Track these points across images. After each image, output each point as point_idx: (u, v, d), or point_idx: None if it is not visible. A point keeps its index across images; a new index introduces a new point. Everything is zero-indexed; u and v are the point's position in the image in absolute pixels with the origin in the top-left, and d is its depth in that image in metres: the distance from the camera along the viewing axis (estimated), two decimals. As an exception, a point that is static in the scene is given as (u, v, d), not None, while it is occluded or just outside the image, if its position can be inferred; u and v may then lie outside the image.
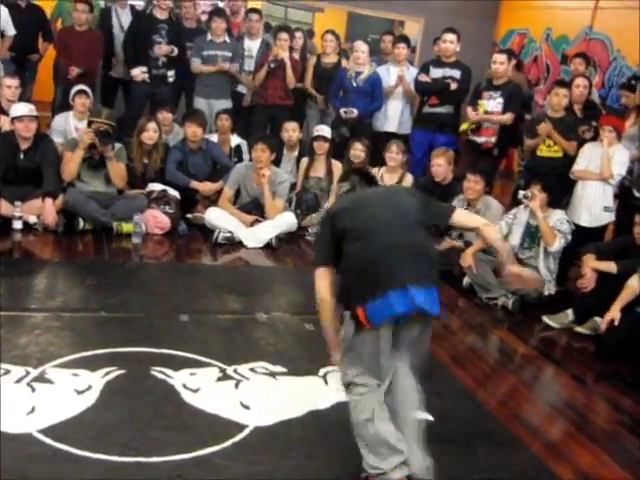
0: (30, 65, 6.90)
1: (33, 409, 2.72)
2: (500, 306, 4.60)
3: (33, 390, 2.86)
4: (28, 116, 4.96)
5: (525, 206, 4.81)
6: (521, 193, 4.83)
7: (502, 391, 3.56)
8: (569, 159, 5.17)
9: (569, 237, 4.69)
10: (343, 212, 2.50)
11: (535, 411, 3.42)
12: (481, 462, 2.76)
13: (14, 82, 5.51)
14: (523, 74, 7.68)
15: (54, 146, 5.21)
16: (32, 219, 4.91)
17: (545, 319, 4.44)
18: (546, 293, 4.70)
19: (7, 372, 2.95)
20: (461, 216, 2.71)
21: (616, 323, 3.92)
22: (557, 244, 4.65)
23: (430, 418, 3.00)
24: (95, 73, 6.49)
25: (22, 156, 5.00)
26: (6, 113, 5.24)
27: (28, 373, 2.97)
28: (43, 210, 4.88)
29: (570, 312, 4.41)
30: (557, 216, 4.72)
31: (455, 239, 5.16)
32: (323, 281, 2.49)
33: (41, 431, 2.58)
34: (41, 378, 2.95)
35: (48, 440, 2.53)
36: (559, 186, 4.95)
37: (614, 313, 3.95)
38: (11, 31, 6.25)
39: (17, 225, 4.83)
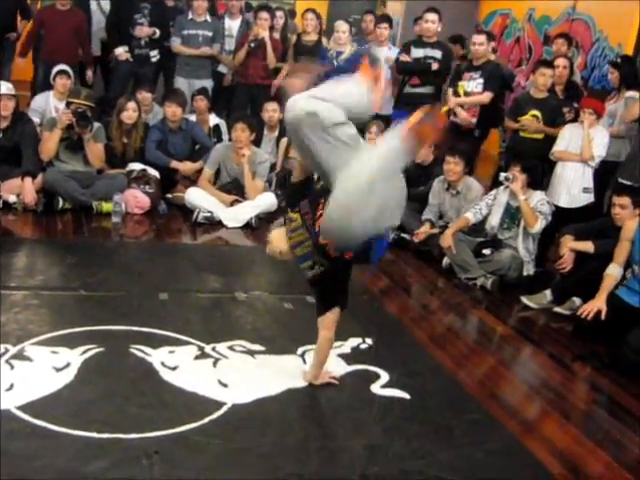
0: (8, 44, 6.80)
1: (12, 386, 2.71)
2: (479, 286, 4.63)
3: (12, 367, 2.85)
4: (6, 95, 4.93)
5: (505, 187, 4.84)
6: (502, 175, 4.85)
7: (480, 371, 3.57)
8: (550, 140, 5.20)
9: (549, 218, 4.73)
10: None
11: (512, 390, 3.44)
12: (457, 440, 2.79)
13: None
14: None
15: (33, 125, 5.17)
16: (11, 198, 4.88)
17: (523, 299, 4.47)
18: (525, 274, 4.74)
19: (-14, 350, 2.95)
20: None
21: (603, 316, 3.88)
22: (538, 225, 4.68)
23: (407, 397, 3.05)
24: (77, 54, 6.37)
25: (0, 135, 4.95)
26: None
27: (7, 350, 2.96)
28: (22, 189, 4.85)
29: (548, 292, 4.44)
30: (537, 197, 4.75)
31: (432, 225, 5.16)
32: None
33: (20, 407, 2.57)
34: (20, 355, 2.94)
35: (26, 416, 2.53)
36: (539, 167, 4.97)
37: (600, 303, 3.91)
38: (-11, 9, 6.17)
39: (-4, 205, 4.81)
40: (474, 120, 5.81)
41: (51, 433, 2.46)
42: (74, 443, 2.42)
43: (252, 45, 6.34)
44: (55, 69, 5.62)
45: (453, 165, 5.02)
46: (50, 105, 5.57)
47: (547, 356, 3.82)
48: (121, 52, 6.33)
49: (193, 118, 5.93)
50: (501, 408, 3.12)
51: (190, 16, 6.38)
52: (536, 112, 5.29)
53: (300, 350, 3.33)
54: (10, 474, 2.23)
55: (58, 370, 2.85)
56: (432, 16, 6.03)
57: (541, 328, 4.23)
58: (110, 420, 2.56)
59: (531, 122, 5.28)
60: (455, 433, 2.84)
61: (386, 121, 6.07)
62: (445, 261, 4.89)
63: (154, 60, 6.45)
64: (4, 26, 6.63)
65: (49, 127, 5.14)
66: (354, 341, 3.50)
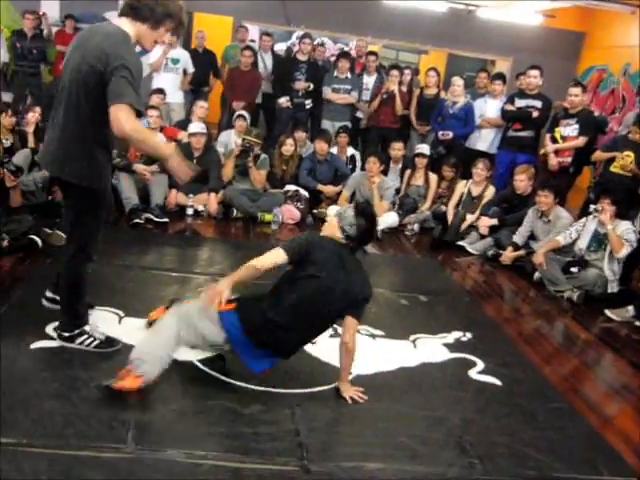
0: (203, 95, 7.30)
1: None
2: (566, 298, 4.35)
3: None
4: (200, 133, 5.28)
5: (594, 216, 4.54)
6: (592, 207, 4.55)
7: (564, 368, 3.36)
8: (636, 177, 4.82)
9: (635, 244, 4.35)
10: (316, 254, 2.49)
11: (593, 388, 3.21)
12: (540, 424, 2.65)
13: (205, 104, 5.91)
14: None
15: (218, 154, 5.51)
16: (200, 208, 5.20)
17: (607, 312, 4.14)
18: (609, 291, 4.39)
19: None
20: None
21: None
22: (624, 251, 4.32)
23: (499, 383, 2.94)
24: (254, 102, 6.76)
25: (195, 161, 5.29)
26: (185, 129, 5.59)
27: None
28: (208, 201, 5.17)
29: (631, 308, 4.09)
30: (624, 226, 4.38)
31: (516, 248, 4.92)
32: (274, 259, 2.52)
33: (200, 361, 2.71)
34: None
35: (206, 369, 2.67)
36: (627, 200, 4.62)
37: None
38: (191, 69, 6.68)
39: (189, 212, 5.15)
40: (569, 159, 5.50)
41: (220, 382, 2.59)
42: (239, 390, 2.55)
43: (384, 96, 6.39)
44: (236, 114, 5.96)
45: (544, 197, 4.78)
46: (231, 140, 5.89)
47: (627, 363, 3.51)
48: (283, 101, 6.62)
49: (335, 150, 6.07)
50: (582, 402, 2.92)
51: (335, 73, 6.54)
52: (630, 153, 4.90)
53: (412, 337, 3.31)
54: (191, 409, 2.40)
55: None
56: (534, 72, 5.78)
57: (622, 338, 3.89)
58: (267, 378, 2.61)
59: (628, 164, 4.89)
60: (538, 418, 2.70)
61: (491, 159, 5.92)
62: (536, 275, 4.64)
63: (308, 107, 6.67)
64: (201, 82, 7.16)
65: (228, 156, 5.47)
66: (457, 334, 3.43)
